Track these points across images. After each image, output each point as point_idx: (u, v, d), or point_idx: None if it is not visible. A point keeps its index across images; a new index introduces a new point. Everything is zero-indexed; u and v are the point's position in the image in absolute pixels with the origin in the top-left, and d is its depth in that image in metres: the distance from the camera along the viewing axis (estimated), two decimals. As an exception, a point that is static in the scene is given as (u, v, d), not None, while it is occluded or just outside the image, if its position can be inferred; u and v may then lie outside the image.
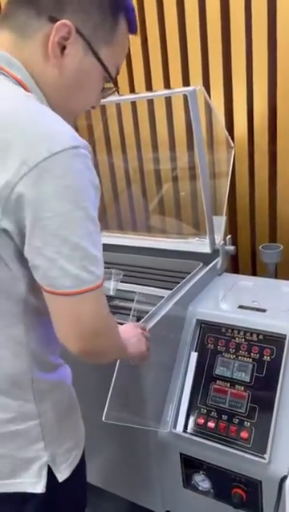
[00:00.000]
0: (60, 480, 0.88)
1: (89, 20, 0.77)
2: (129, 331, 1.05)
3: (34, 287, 0.77)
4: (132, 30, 0.84)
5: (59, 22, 0.74)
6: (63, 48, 0.76)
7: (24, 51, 0.76)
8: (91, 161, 0.73)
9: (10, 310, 0.80)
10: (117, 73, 0.86)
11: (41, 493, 0.86)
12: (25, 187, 0.66)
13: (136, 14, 1.68)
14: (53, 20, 0.74)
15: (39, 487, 0.86)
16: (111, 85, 0.85)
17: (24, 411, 0.85)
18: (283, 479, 1.01)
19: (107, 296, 1.51)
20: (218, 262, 1.58)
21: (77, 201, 0.69)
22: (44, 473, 0.86)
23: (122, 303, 1.47)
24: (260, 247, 1.72)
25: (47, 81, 0.78)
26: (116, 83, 0.85)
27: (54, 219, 0.67)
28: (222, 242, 1.57)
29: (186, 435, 1.25)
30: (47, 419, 0.87)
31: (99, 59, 0.80)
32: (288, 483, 0.80)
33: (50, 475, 0.87)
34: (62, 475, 0.89)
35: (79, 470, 0.95)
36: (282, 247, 1.71)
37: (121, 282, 1.57)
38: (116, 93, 0.88)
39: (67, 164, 0.68)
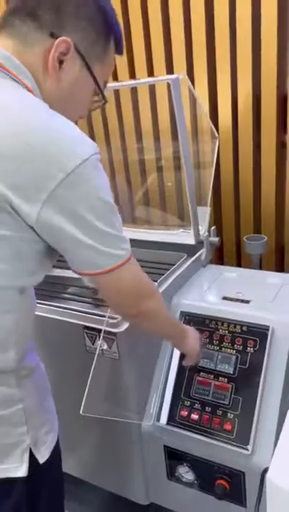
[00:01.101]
0: (41, 461, 0.92)
1: (86, 38, 0.82)
2: (193, 330, 1.21)
3: (36, 278, 0.85)
4: (119, 50, 0.91)
5: (60, 39, 0.79)
6: (61, 62, 0.81)
7: (24, 58, 0.80)
8: None
9: (5, 300, 0.83)
10: (104, 87, 0.92)
11: (23, 477, 0.89)
12: (62, 191, 0.73)
13: (119, 3, 1.67)
14: (54, 36, 0.79)
15: (22, 471, 0.89)
16: (98, 98, 0.92)
17: (8, 396, 0.88)
18: (265, 470, 1.01)
19: (90, 289, 1.50)
20: (203, 253, 1.57)
21: (104, 198, 0.79)
22: (26, 456, 0.90)
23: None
24: (244, 238, 1.72)
25: (44, 90, 0.83)
26: (104, 97, 0.92)
27: (90, 215, 0.77)
28: (207, 234, 1.56)
29: (170, 427, 1.25)
30: (29, 403, 0.91)
31: (92, 75, 0.85)
32: (270, 475, 0.79)
33: (31, 459, 0.91)
34: (42, 457, 0.93)
35: (56, 454, 1.00)
36: (266, 238, 1.71)
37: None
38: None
39: (93, 168, 0.77)
